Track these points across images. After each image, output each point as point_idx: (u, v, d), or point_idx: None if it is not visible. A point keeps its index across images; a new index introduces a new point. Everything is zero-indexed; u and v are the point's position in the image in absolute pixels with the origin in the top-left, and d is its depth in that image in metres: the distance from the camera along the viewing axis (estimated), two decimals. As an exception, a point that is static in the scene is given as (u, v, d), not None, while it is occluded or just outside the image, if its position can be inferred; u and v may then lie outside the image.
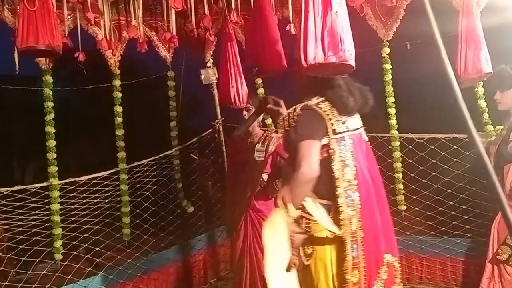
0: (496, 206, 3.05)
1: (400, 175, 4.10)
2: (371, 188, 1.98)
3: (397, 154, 4.08)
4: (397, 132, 4.06)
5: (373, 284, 1.90)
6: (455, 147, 3.71)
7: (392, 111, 4.08)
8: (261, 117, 3.08)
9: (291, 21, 3.59)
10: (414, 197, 4.12)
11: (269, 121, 4.56)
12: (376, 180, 2.05)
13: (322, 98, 1.96)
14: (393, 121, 4.08)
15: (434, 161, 3.88)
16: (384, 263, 1.95)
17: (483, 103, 3.67)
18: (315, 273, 1.97)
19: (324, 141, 1.91)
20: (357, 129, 2.04)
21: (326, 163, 1.89)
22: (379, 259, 1.94)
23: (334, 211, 1.91)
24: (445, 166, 3.82)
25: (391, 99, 4.08)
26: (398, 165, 4.09)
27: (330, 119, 1.91)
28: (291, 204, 1.84)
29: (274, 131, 3.92)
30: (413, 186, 4.09)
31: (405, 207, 4.11)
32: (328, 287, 1.94)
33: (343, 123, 1.95)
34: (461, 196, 3.76)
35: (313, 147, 1.86)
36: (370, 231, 1.92)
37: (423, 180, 3.97)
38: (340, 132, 1.93)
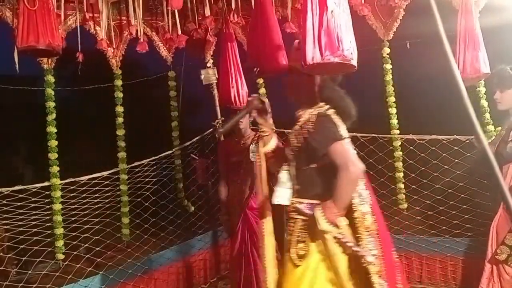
0: (495, 206, 3.06)
1: (401, 174, 4.10)
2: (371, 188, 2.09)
3: (398, 153, 4.08)
4: (398, 132, 4.07)
5: (394, 271, 2.02)
6: (456, 148, 3.71)
7: (393, 110, 4.08)
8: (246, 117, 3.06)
9: (289, 20, 3.58)
10: (415, 197, 4.13)
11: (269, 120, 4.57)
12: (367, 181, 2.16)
13: (328, 106, 2.04)
14: (394, 121, 4.08)
15: (435, 161, 3.88)
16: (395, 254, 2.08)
17: (484, 103, 3.67)
18: (309, 275, 2.01)
19: None
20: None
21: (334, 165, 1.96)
22: (391, 249, 2.07)
23: (348, 211, 1.99)
24: (445, 167, 3.83)
25: (391, 99, 4.09)
26: (399, 164, 4.10)
27: (339, 126, 2.00)
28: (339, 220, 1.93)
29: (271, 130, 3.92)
30: (413, 187, 4.09)
31: (406, 205, 4.11)
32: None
33: (346, 129, 2.03)
34: (461, 196, 3.77)
35: (347, 145, 1.96)
36: (383, 225, 2.03)
37: (424, 180, 3.98)
38: (347, 138, 2.01)
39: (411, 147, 3.99)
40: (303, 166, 2.07)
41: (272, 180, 2.22)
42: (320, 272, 2.01)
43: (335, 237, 1.96)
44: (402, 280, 2.08)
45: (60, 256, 3.65)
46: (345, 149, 1.95)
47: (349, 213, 1.99)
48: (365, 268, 1.94)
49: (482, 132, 0.76)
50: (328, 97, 2.06)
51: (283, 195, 2.10)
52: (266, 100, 2.24)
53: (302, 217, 2.06)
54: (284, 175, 2.12)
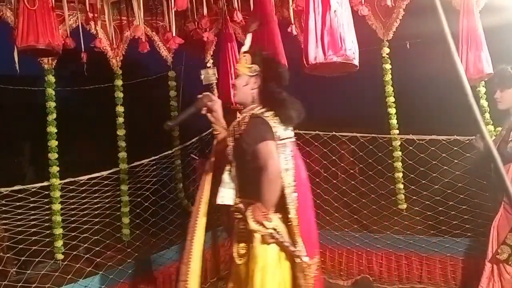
0: (495, 205, 3.06)
1: (400, 174, 4.10)
2: (305, 189, 2.21)
3: (397, 153, 4.08)
4: (397, 132, 4.07)
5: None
6: (455, 148, 3.71)
7: (392, 110, 4.09)
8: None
9: (292, 22, 3.59)
10: (414, 197, 4.13)
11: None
12: (306, 182, 2.26)
13: (265, 109, 2.13)
14: (393, 121, 4.09)
15: (434, 162, 3.88)
16: (317, 252, 2.21)
17: (484, 103, 3.68)
18: (252, 273, 2.08)
19: None
20: (292, 137, 2.21)
21: None
22: (315, 249, 2.21)
23: (276, 210, 2.07)
24: (445, 167, 3.83)
25: (391, 99, 4.09)
26: (398, 164, 4.10)
27: (274, 127, 2.07)
28: (266, 220, 2.00)
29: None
30: (413, 187, 4.09)
31: (405, 205, 4.11)
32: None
33: (284, 131, 2.12)
34: (461, 196, 3.77)
35: (272, 146, 2.02)
36: (305, 227, 2.12)
37: (423, 181, 3.98)
38: (283, 139, 2.10)
39: (411, 147, 4.00)
40: (242, 166, 2.15)
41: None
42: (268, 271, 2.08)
43: (273, 237, 2.04)
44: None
45: (59, 256, 3.65)
46: (269, 150, 2.00)
47: (286, 213, 2.07)
48: (294, 268, 2.06)
49: (486, 129, 0.76)
50: (267, 100, 2.15)
51: (226, 195, 2.17)
52: (217, 99, 2.32)
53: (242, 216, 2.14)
54: (226, 176, 2.20)
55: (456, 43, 2.88)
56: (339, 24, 1.62)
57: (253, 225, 2.01)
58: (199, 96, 2.31)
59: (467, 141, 3.62)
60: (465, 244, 3.79)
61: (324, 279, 4.27)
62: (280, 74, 2.17)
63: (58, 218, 3.65)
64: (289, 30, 3.48)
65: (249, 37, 2.35)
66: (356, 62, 1.66)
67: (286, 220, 2.09)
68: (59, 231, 3.65)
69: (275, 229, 2.04)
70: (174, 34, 3.77)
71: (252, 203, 2.06)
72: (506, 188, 0.74)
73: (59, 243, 3.64)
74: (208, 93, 2.35)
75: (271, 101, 2.13)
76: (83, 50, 3.59)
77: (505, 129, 3.01)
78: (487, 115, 3.69)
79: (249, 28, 2.55)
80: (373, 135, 4.12)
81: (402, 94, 4.38)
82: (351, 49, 1.62)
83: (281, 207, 2.07)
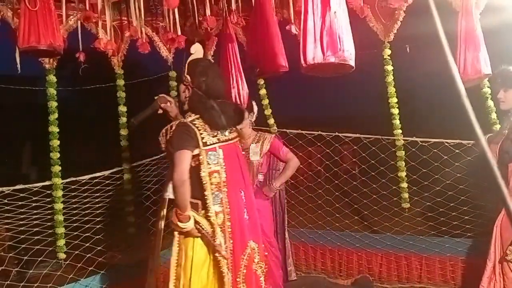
0: (498, 206, 3.06)
1: (403, 174, 4.10)
2: (242, 188, 2.43)
3: (401, 152, 4.08)
4: (400, 131, 4.07)
5: (239, 262, 2.35)
6: (457, 151, 3.71)
7: (395, 111, 4.09)
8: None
9: (293, 22, 3.59)
10: (416, 198, 4.14)
11: (271, 121, 4.59)
12: (246, 181, 2.50)
13: (197, 116, 2.35)
14: (397, 121, 4.09)
15: (436, 163, 3.89)
16: (248, 248, 2.40)
17: (491, 103, 3.68)
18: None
19: (196, 151, 2.28)
20: (230, 139, 2.44)
21: (197, 169, 2.28)
22: (244, 244, 2.38)
23: (203, 207, 2.32)
24: (446, 169, 3.83)
25: (393, 100, 4.09)
26: (402, 163, 4.10)
27: (201, 133, 2.30)
28: (179, 221, 2.27)
29: (267, 131, 3.97)
30: (414, 188, 4.10)
31: (408, 205, 4.11)
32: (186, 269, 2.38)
33: (214, 136, 2.34)
34: (462, 198, 3.77)
35: (185, 155, 2.23)
36: (237, 223, 2.35)
37: (425, 182, 3.98)
38: (211, 144, 2.32)
39: (413, 149, 4.00)
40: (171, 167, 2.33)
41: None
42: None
43: (202, 233, 2.30)
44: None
45: (62, 256, 3.66)
46: (178, 159, 2.22)
47: (205, 210, 2.31)
48: (216, 260, 2.30)
49: (481, 132, 0.76)
50: (195, 108, 2.38)
51: (171, 190, 2.36)
52: (172, 99, 2.56)
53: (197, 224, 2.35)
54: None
55: (455, 44, 2.89)
56: (338, 25, 1.63)
57: (173, 223, 2.31)
58: (156, 97, 2.55)
59: (471, 145, 3.62)
60: (465, 244, 3.80)
61: (324, 279, 4.29)
62: (207, 84, 2.38)
63: (60, 217, 3.66)
64: (287, 28, 3.48)
65: (193, 49, 2.56)
66: (352, 63, 1.67)
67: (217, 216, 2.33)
68: (61, 230, 3.67)
69: (199, 224, 2.29)
70: (179, 33, 3.76)
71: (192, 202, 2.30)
72: (503, 198, 0.75)
73: (62, 242, 3.66)
74: (163, 94, 2.58)
75: (199, 109, 2.36)
76: (80, 49, 3.59)
77: (507, 128, 3.01)
78: (494, 115, 3.68)
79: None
80: (376, 136, 4.12)
81: (403, 95, 4.38)
82: (349, 50, 1.63)
83: (205, 205, 2.31)
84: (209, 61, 2.59)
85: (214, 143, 2.33)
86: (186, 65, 2.50)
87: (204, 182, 2.28)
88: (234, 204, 2.37)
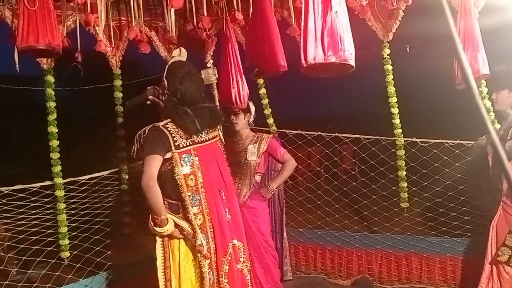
0: (494, 206, 3.07)
1: (403, 173, 4.09)
2: (222, 188, 2.46)
3: (401, 152, 4.08)
4: (400, 131, 4.07)
5: (221, 261, 2.37)
6: (457, 151, 3.71)
7: (395, 110, 4.08)
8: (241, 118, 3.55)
9: (293, 23, 3.59)
10: (415, 198, 4.13)
11: (270, 120, 4.57)
12: (227, 181, 2.53)
13: (169, 120, 2.39)
14: (397, 121, 4.08)
15: (436, 164, 3.88)
16: (230, 247, 2.43)
17: (487, 103, 3.68)
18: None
19: (168, 155, 2.31)
20: (207, 140, 2.47)
21: (172, 172, 2.31)
22: (225, 244, 2.41)
23: (182, 209, 2.36)
24: (446, 170, 3.83)
25: (393, 99, 4.09)
26: (402, 163, 4.09)
27: (174, 137, 2.32)
28: (155, 226, 2.35)
29: (266, 131, 3.97)
30: (414, 188, 4.09)
31: (407, 204, 4.11)
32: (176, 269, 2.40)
33: (188, 138, 2.36)
34: (462, 198, 3.77)
35: (153, 160, 2.27)
36: (217, 223, 2.38)
37: (425, 183, 3.97)
38: (185, 147, 2.34)
39: (413, 150, 3.99)
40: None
41: None
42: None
43: (183, 234, 2.35)
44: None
45: (65, 255, 3.65)
46: (146, 164, 2.27)
47: (184, 211, 2.35)
48: (198, 260, 2.34)
49: (493, 127, 0.76)
50: (169, 113, 2.41)
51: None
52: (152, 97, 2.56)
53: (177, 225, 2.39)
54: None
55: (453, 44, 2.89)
56: (339, 25, 1.63)
57: (150, 227, 2.36)
58: (148, 88, 2.57)
59: (470, 146, 3.62)
60: (464, 244, 3.80)
61: (324, 279, 4.28)
62: (182, 93, 2.41)
63: (63, 217, 3.66)
64: (287, 32, 3.48)
65: (175, 52, 2.64)
66: (352, 63, 1.67)
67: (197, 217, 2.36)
68: (64, 229, 3.66)
69: (180, 226, 2.34)
70: (176, 33, 3.77)
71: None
72: (507, 174, 0.76)
73: (65, 242, 3.65)
74: (155, 86, 2.59)
75: (172, 114, 2.39)
76: (78, 49, 3.58)
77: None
78: (492, 115, 3.69)
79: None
80: (376, 137, 4.11)
81: (403, 94, 4.37)
82: (349, 50, 1.63)
83: (184, 207, 2.34)
84: (188, 68, 2.56)
85: (187, 146, 2.36)
86: (166, 68, 2.53)
87: (180, 184, 2.31)
88: (213, 205, 2.39)
